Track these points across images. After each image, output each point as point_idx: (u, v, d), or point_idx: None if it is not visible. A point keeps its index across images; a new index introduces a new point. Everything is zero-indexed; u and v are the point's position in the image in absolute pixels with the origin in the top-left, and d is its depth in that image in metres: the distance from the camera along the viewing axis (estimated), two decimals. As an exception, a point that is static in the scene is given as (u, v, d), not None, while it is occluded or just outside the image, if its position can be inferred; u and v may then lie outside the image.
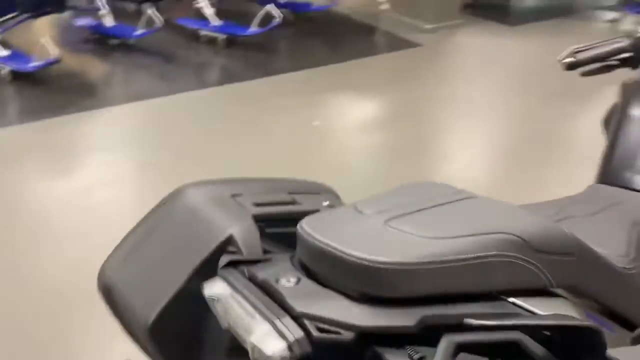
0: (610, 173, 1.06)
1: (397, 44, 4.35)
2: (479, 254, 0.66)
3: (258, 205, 0.85)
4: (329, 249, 0.66)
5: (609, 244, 0.85)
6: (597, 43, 1.23)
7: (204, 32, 4.14)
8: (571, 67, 1.25)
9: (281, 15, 4.05)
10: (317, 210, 0.85)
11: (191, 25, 4.23)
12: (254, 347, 0.61)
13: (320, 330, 0.60)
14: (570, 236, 0.75)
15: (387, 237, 0.68)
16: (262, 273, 0.70)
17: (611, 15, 4.99)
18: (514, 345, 0.63)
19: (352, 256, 0.64)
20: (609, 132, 1.25)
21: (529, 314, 0.67)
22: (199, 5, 4.21)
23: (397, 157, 2.89)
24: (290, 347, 0.58)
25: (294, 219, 0.80)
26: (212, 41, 4.12)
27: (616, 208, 0.95)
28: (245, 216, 0.81)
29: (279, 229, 0.84)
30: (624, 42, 1.21)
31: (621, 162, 1.06)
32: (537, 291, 0.70)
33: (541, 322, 0.65)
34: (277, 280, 0.68)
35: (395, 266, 0.63)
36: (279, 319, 0.61)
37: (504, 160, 2.95)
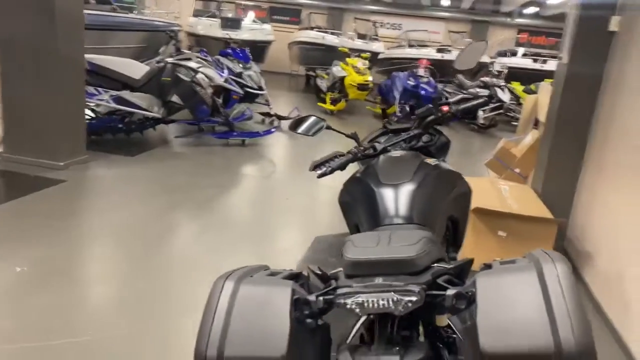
0: (379, 218, 1.80)
1: (38, 183, 4.37)
2: (426, 246, 1.36)
3: (270, 275, 1.28)
4: (388, 257, 1.26)
5: None
6: (328, 157, 2.13)
7: None
8: (322, 175, 2.10)
9: None
10: (291, 270, 1.38)
11: None
12: None
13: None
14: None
15: (395, 249, 1.30)
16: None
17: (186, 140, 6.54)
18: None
19: (399, 256, 1.26)
20: (345, 203, 2.09)
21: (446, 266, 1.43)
22: None
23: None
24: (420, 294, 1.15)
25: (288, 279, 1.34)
26: None
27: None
28: (281, 279, 1.21)
29: None
30: (347, 156, 2.07)
31: (382, 210, 1.82)
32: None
33: (454, 265, 1.37)
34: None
35: (410, 257, 1.26)
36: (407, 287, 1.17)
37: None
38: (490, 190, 3.83)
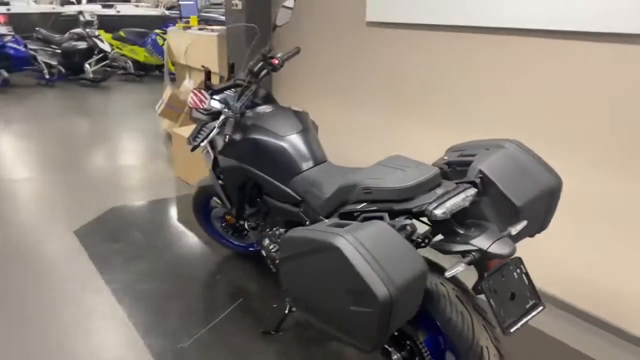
0: (297, 166, 2.06)
1: None
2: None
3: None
4: (431, 174, 1.60)
5: None
6: (199, 128, 2.12)
7: None
8: (194, 149, 2.07)
9: None
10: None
11: None
12: None
13: None
14: None
15: (421, 169, 1.60)
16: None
17: None
18: None
19: (434, 172, 1.58)
20: (231, 169, 2.24)
21: None
22: None
23: None
24: (472, 187, 1.55)
25: None
26: None
27: None
28: (370, 221, 1.48)
29: None
30: (222, 121, 2.14)
31: (298, 158, 2.09)
32: None
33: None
34: None
35: (439, 170, 1.61)
36: None
37: None
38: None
